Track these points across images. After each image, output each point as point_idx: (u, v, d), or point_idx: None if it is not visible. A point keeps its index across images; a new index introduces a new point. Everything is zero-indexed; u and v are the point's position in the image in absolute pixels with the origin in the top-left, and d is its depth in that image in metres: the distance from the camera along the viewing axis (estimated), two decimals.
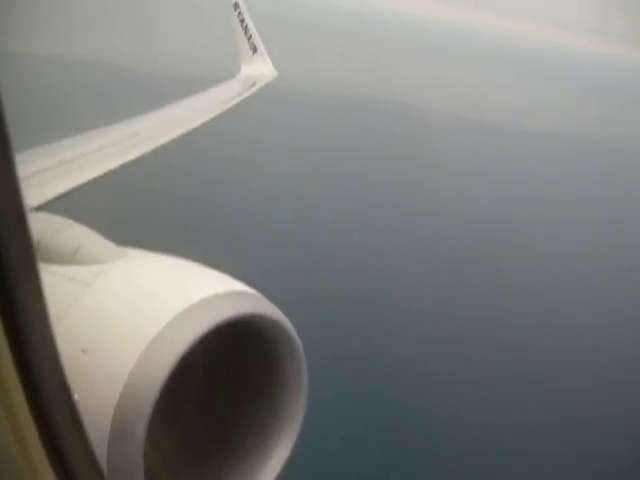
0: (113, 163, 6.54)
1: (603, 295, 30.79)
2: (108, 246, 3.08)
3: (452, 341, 23.67)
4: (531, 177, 50.81)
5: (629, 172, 60.86)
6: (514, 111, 78.19)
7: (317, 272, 26.80)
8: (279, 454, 2.95)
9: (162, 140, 7.61)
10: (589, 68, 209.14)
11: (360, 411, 19.59)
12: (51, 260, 2.91)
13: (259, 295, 2.80)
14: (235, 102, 9.93)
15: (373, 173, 41.98)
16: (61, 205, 5.23)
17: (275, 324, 2.73)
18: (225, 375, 3.09)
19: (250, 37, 12.60)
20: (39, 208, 4.80)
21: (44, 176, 5.74)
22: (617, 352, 25.08)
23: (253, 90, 10.84)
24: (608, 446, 19.78)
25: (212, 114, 9.13)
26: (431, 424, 19.54)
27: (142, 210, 28.69)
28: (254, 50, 12.54)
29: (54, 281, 2.75)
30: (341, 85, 65.75)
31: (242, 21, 12.64)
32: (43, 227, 3.15)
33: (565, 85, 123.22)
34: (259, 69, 12.13)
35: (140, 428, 2.35)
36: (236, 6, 12.64)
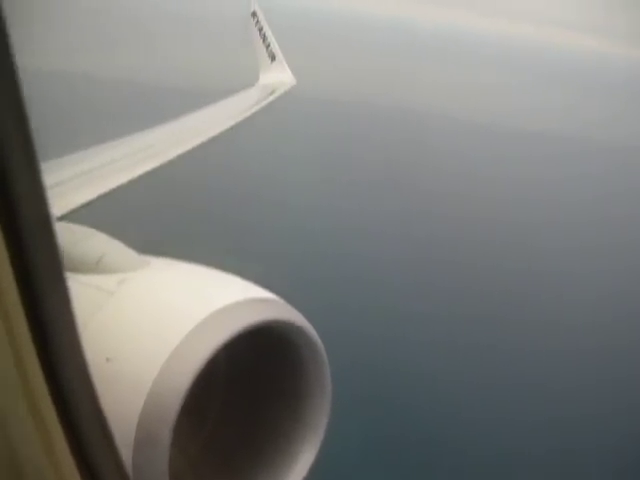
0: (133, 173, 6.57)
1: (606, 295, 30.66)
2: (131, 254, 3.09)
3: (468, 343, 23.76)
4: (536, 178, 50.66)
5: (633, 171, 60.31)
6: (516, 113, 77.85)
7: (333, 279, 26.91)
8: (304, 459, 2.94)
9: (181, 150, 7.64)
10: (592, 67, 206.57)
11: (383, 416, 19.61)
12: (74, 269, 2.92)
13: (282, 302, 2.79)
14: (254, 110, 9.96)
15: (379, 179, 42.22)
16: (82, 215, 5.27)
17: (299, 330, 2.71)
18: (249, 382, 3.09)
19: (268, 45, 12.65)
20: (61, 218, 4.83)
21: (65, 186, 5.78)
22: (619, 351, 24.97)
23: (272, 98, 10.87)
24: (610, 443, 19.75)
25: (231, 123, 9.15)
26: (451, 429, 19.53)
27: (163, 218, 28.91)
28: (272, 58, 12.59)
29: (77, 290, 2.75)
30: (338, 92, 65.95)
31: (260, 29, 12.71)
32: (66, 236, 3.15)
33: (567, 85, 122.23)
34: (278, 77, 12.17)
35: (165, 435, 2.35)
36: (254, 15, 12.72)
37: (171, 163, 7.29)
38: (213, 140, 8.45)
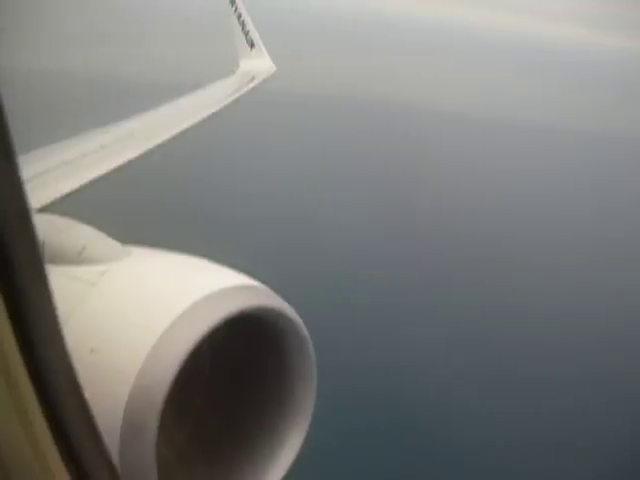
0: (114, 162, 6.53)
1: (606, 288, 30.59)
2: (113, 245, 3.07)
3: (455, 337, 23.70)
4: (535, 172, 50.67)
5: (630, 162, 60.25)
6: (513, 106, 77.46)
7: (321, 270, 26.88)
8: (290, 446, 2.95)
9: (163, 138, 7.60)
10: (586, 59, 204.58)
11: (368, 406, 19.66)
12: (56, 261, 2.90)
13: (266, 288, 2.79)
14: (234, 97, 9.92)
15: (373, 174, 42.08)
16: (63, 206, 5.24)
17: (283, 317, 2.72)
18: (235, 370, 3.09)
19: (247, 32, 12.59)
20: (42, 210, 4.80)
21: (45, 178, 5.74)
22: (617, 345, 25.00)
23: (252, 85, 10.83)
24: (609, 438, 19.77)
25: (212, 110, 9.11)
26: (436, 420, 19.60)
27: (144, 208, 28.72)
28: (252, 45, 12.53)
29: (60, 281, 2.74)
30: (332, 87, 65.69)
31: (239, 16, 12.63)
32: (47, 228, 3.14)
33: (562, 77, 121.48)
34: (257, 64, 12.12)
35: (151, 425, 2.35)
36: (233, 1, 12.62)
37: (153, 152, 7.25)
38: (195, 127, 8.41)
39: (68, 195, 5.60)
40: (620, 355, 24.15)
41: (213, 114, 9.03)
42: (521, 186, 46.11)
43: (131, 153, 6.85)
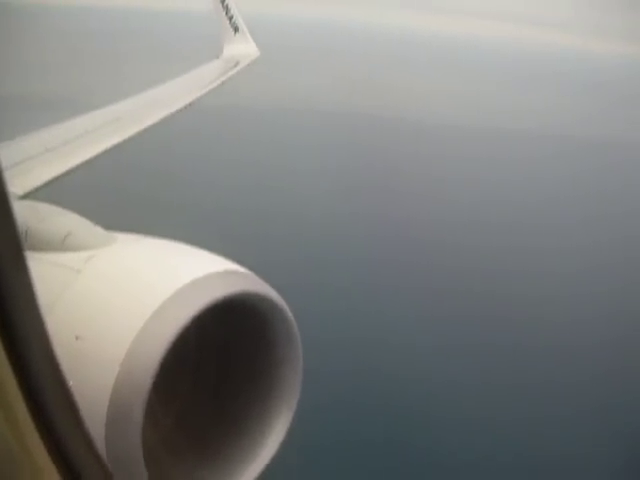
0: (98, 148, 6.48)
1: (605, 293, 30.47)
2: (97, 231, 3.05)
3: (447, 343, 23.82)
4: (536, 179, 50.81)
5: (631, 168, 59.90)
6: (513, 115, 77.21)
7: (309, 263, 26.88)
8: (276, 432, 2.95)
9: (147, 123, 7.55)
10: (585, 66, 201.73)
11: (356, 397, 19.80)
12: (40, 248, 2.88)
13: (252, 274, 2.78)
14: (219, 82, 9.87)
15: (369, 185, 42.24)
16: (47, 192, 5.19)
17: (269, 302, 2.71)
18: (221, 355, 3.09)
19: (231, 17, 12.50)
20: (25, 196, 4.76)
21: (29, 164, 5.68)
22: (615, 349, 24.95)
23: (236, 69, 10.78)
24: (607, 441, 19.81)
25: (197, 94, 9.06)
26: (430, 423, 19.76)
27: (129, 195, 28.56)
28: (236, 30, 12.44)
29: (44, 269, 2.72)
30: (323, 103, 65.61)
31: (223, 1, 12.54)
32: (30, 215, 3.11)
33: (562, 85, 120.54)
34: (241, 48, 12.05)
35: (137, 411, 2.35)
36: None
37: (137, 137, 7.19)
38: (180, 112, 8.37)
39: (52, 181, 5.55)
40: (619, 359, 24.17)
41: (197, 99, 8.98)
42: (521, 192, 46.15)
43: (116, 138, 6.81)
